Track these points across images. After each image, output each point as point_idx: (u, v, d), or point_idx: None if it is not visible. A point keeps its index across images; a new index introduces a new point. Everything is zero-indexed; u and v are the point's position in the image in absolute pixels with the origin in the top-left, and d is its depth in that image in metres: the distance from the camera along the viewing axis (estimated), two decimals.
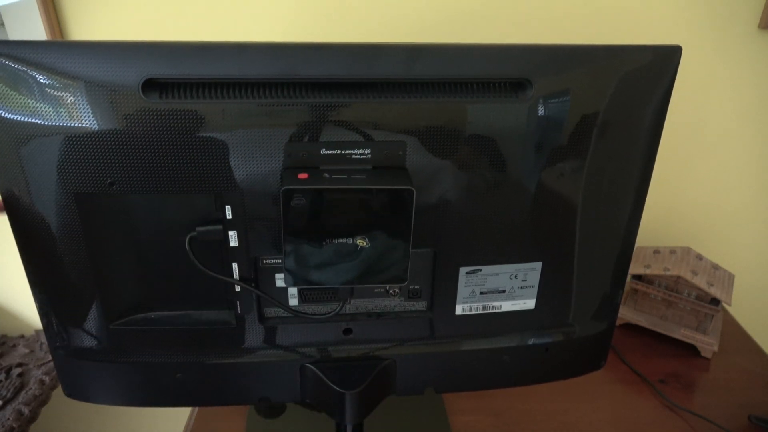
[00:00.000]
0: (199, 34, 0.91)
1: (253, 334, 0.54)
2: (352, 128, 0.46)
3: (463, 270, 0.54)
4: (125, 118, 0.43)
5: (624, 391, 0.83)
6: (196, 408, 0.79)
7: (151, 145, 0.44)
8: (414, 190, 0.44)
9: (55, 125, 0.43)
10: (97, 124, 0.43)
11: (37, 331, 1.14)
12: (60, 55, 0.41)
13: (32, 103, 0.43)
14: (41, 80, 0.42)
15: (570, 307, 0.58)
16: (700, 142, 1.03)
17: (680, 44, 0.49)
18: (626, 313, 0.95)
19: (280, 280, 0.53)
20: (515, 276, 0.55)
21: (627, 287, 0.94)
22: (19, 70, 0.42)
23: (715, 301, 0.89)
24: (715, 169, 1.05)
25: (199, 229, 0.49)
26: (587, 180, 0.51)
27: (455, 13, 0.91)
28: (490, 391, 0.77)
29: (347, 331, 0.56)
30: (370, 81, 0.45)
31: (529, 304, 0.57)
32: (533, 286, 0.56)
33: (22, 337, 1.12)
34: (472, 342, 0.58)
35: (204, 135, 0.45)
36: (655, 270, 0.91)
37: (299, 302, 0.55)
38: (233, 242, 0.50)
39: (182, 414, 1.09)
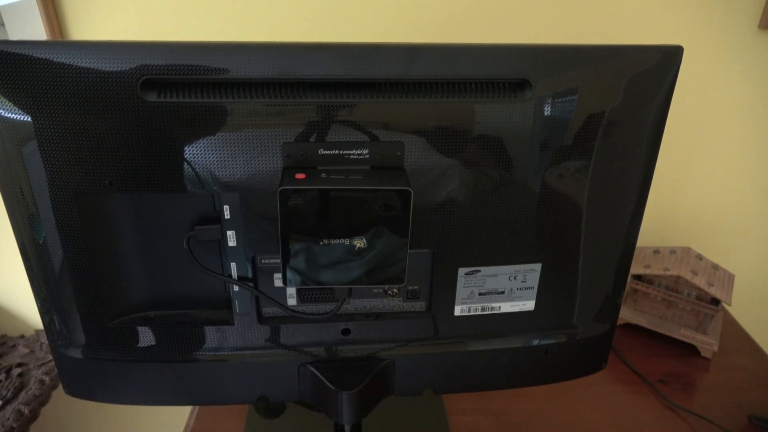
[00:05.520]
0: (198, 34, 0.91)
1: (252, 334, 0.54)
2: (351, 128, 0.46)
3: (461, 271, 0.54)
4: (123, 117, 0.43)
5: (624, 391, 0.83)
6: (196, 408, 0.79)
7: (149, 145, 0.44)
8: (411, 190, 0.44)
9: (54, 125, 0.43)
10: (96, 124, 0.43)
11: (37, 331, 1.14)
12: (60, 55, 0.41)
13: (32, 102, 0.43)
14: (41, 80, 0.42)
15: (571, 309, 0.58)
16: (700, 142, 1.03)
17: (680, 44, 0.49)
18: (626, 313, 0.94)
19: (278, 279, 0.53)
20: (514, 277, 0.55)
21: (627, 287, 0.94)
22: (20, 69, 0.42)
23: (715, 301, 0.89)
24: (715, 169, 1.05)
25: (198, 228, 0.49)
26: (591, 180, 0.51)
27: (455, 14, 0.90)
28: (489, 391, 0.77)
29: (346, 332, 0.56)
30: (368, 81, 0.45)
31: (529, 305, 0.57)
32: (532, 288, 0.56)
33: (22, 337, 1.12)
34: (472, 343, 0.58)
35: (202, 135, 0.45)
36: (655, 270, 0.91)
37: (298, 302, 0.55)
38: (231, 242, 0.50)
39: (182, 414, 1.09)
